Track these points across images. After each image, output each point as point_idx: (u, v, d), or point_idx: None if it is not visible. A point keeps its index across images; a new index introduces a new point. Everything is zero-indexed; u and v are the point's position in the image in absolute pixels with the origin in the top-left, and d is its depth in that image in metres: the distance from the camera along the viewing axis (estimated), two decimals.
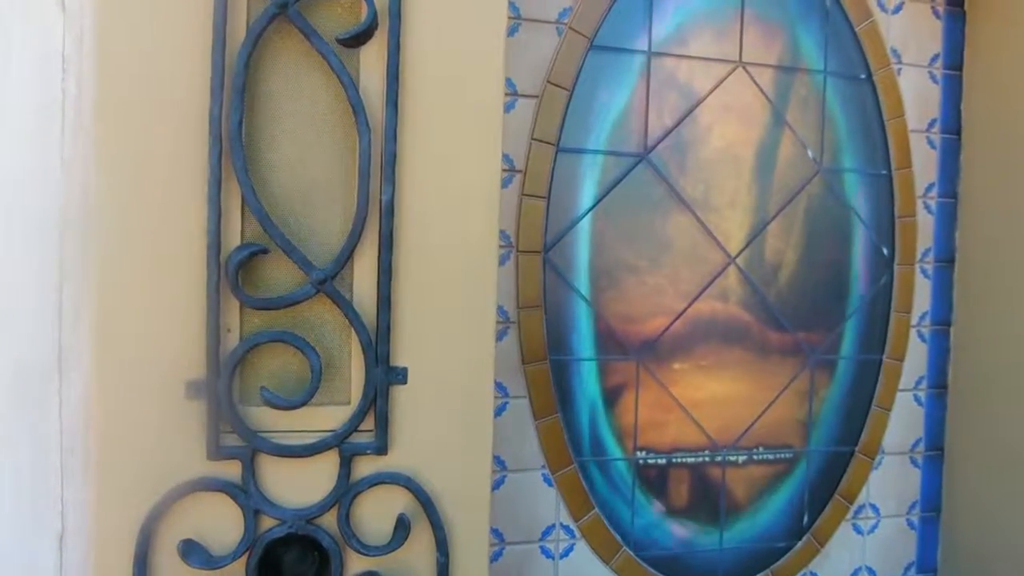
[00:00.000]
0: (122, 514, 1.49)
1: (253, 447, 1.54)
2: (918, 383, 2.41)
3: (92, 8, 1.50)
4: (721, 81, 2.18)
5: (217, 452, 1.52)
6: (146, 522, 1.49)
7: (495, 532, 2.05)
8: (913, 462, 2.42)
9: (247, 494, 1.54)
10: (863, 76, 2.31)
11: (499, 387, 2.04)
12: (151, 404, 1.51)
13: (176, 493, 1.51)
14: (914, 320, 2.40)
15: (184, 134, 1.50)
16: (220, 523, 1.54)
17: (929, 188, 2.38)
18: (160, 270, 1.50)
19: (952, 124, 2.39)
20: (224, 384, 1.52)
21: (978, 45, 2.34)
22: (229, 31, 1.50)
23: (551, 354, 2.08)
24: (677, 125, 2.15)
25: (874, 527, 2.39)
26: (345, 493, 1.60)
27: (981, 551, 2.30)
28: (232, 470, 1.54)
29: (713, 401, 2.24)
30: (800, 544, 2.32)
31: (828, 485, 2.35)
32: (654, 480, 2.20)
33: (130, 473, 1.50)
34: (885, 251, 2.35)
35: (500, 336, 2.04)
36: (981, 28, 2.33)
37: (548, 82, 2.04)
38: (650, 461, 2.19)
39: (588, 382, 2.13)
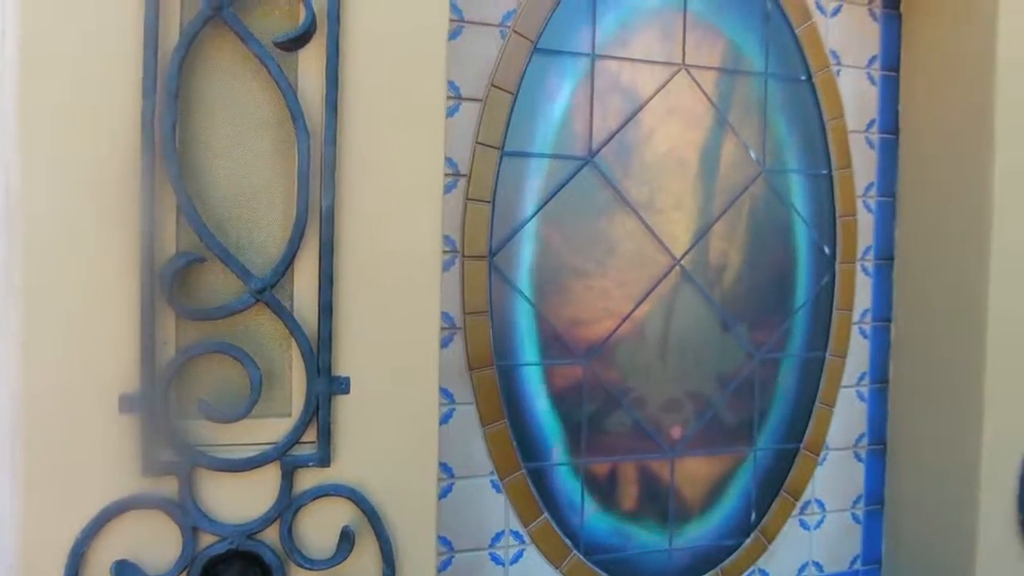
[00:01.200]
0: (51, 533, 1.43)
1: (191, 462, 1.50)
2: (861, 379, 2.45)
3: (15, 9, 1.44)
4: (664, 84, 2.19)
5: (153, 468, 1.48)
6: (77, 542, 1.44)
7: (443, 540, 2.03)
8: (857, 457, 2.46)
9: (184, 510, 1.49)
10: (803, 78, 2.33)
11: (445, 394, 2.02)
12: (82, 418, 1.46)
13: (109, 511, 1.45)
14: (856, 317, 2.43)
15: (114, 140, 1.45)
16: (156, 542, 1.49)
17: (868, 188, 2.42)
18: (91, 280, 1.45)
19: (890, 124, 2.43)
20: (160, 397, 1.47)
21: (913, 47, 2.39)
22: (162, 34, 1.45)
23: (498, 359, 2.07)
24: (621, 128, 2.15)
25: (820, 522, 2.43)
26: (287, 507, 1.56)
27: (924, 542, 2.35)
28: (169, 486, 1.50)
29: (660, 402, 2.24)
30: (748, 541, 2.34)
31: (775, 482, 2.37)
32: (603, 483, 2.20)
33: (60, 490, 1.44)
34: (827, 250, 2.39)
35: (446, 342, 2.01)
36: (916, 30, 2.38)
37: (492, 85, 2.02)
38: (598, 464, 2.19)
39: (535, 387, 2.11)
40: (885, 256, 2.45)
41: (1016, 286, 2.16)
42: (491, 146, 2.03)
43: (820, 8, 2.33)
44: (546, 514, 2.13)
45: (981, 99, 2.15)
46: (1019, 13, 2.12)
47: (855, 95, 2.39)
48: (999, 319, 2.15)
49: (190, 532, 1.50)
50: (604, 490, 2.21)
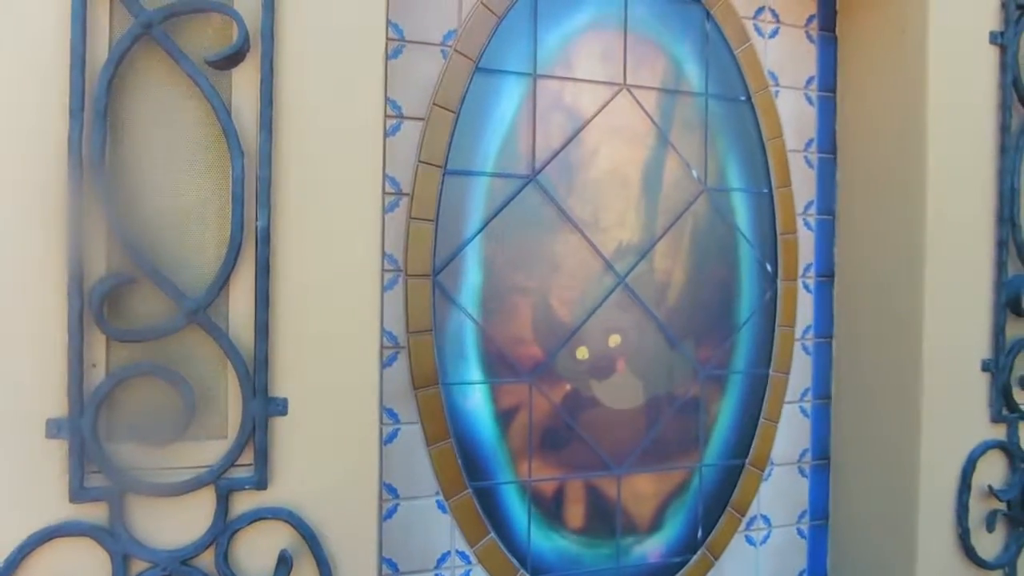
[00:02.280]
0: None
1: (121, 487, 1.47)
2: (804, 395, 2.48)
3: None
4: (606, 103, 2.21)
5: (81, 494, 1.44)
6: (2, 571, 1.39)
7: (389, 562, 2.01)
8: (801, 472, 2.49)
9: (115, 537, 1.46)
10: (743, 98, 2.38)
11: (390, 413, 2.00)
12: (7, 444, 1.42)
13: (35, 539, 1.42)
14: (798, 334, 2.47)
15: (41, 160, 1.42)
16: (85, 570, 1.46)
17: (808, 206, 2.47)
18: (17, 301, 1.42)
19: (827, 144, 2.48)
20: (89, 421, 1.44)
21: (849, 68, 2.45)
22: (90, 52, 1.44)
23: (442, 378, 2.06)
24: (564, 147, 2.17)
25: (766, 537, 2.44)
26: (223, 531, 1.53)
27: (867, 556, 2.38)
28: (98, 512, 1.46)
29: (606, 420, 2.25)
30: (695, 558, 2.35)
31: (721, 498, 2.39)
32: (550, 502, 2.19)
33: None
34: (769, 267, 2.42)
35: (390, 361, 2.00)
36: (851, 52, 2.44)
37: (434, 104, 2.03)
38: (545, 483, 2.18)
39: (481, 406, 2.11)
40: (825, 273, 2.49)
41: (949, 302, 2.21)
42: (434, 165, 2.03)
43: (758, 30, 2.38)
44: (492, 534, 2.12)
45: (913, 119, 2.21)
46: (948, 36, 2.18)
47: (793, 115, 2.44)
48: (934, 335, 2.19)
49: (120, 559, 1.47)
50: (551, 509, 2.20)
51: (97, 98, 1.43)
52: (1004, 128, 2.25)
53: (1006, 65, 2.24)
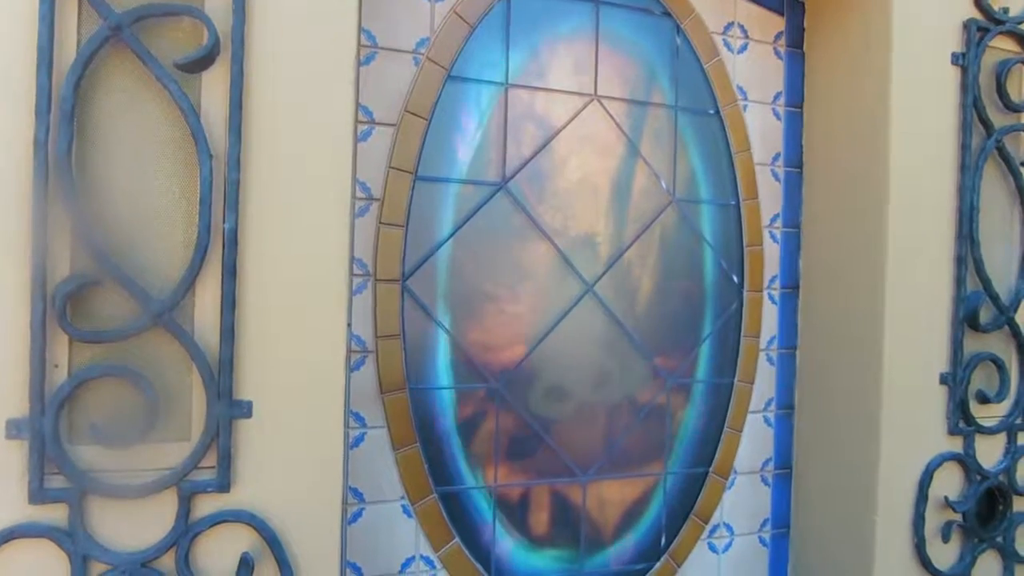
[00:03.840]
0: None
1: (81, 488, 1.46)
2: (767, 405, 2.52)
3: None
4: (577, 113, 2.24)
5: (41, 494, 1.44)
6: None
7: (353, 566, 2.01)
8: (764, 481, 2.52)
9: (74, 539, 1.45)
10: (712, 111, 2.41)
11: (357, 417, 2.01)
12: None
13: None
14: (763, 344, 2.50)
15: (6, 160, 1.42)
16: (44, 571, 1.45)
17: (774, 218, 2.51)
18: None
19: (794, 158, 2.53)
20: (49, 422, 1.43)
21: (816, 84, 2.49)
22: (58, 53, 1.44)
23: (410, 383, 2.07)
24: (534, 155, 2.19)
25: (728, 545, 2.47)
26: (184, 534, 1.53)
27: (827, 564, 2.41)
28: (58, 513, 1.46)
29: (572, 428, 2.27)
30: (658, 565, 2.37)
31: (684, 506, 2.41)
32: (514, 508, 2.21)
33: None
34: (735, 278, 2.46)
35: (357, 365, 2.01)
36: (818, 68, 2.48)
37: (406, 111, 2.04)
38: (510, 489, 2.20)
39: (447, 411, 2.12)
40: (790, 285, 2.53)
41: (909, 316, 2.25)
42: (404, 171, 2.04)
43: (727, 45, 2.42)
44: (457, 539, 2.13)
45: (877, 136, 2.25)
46: (911, 57, 2.23)
47: (761, 129, 2.48)
48: (894, 347, 2.24)
49: (80, 561, 1.46)
50: (516, 514, 2.22)
51: (64, 99, 1.42)
52: (964, 147, 2.30)
53: (967, 86, 2.30)
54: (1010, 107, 2.37)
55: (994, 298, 2.34)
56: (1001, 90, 2.35)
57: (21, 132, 1.42)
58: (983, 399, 2.36)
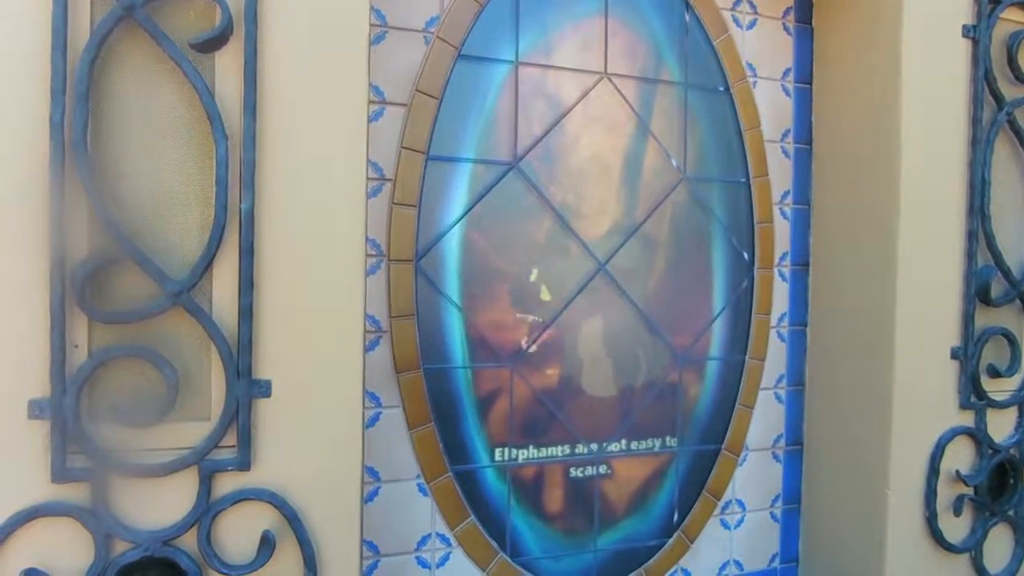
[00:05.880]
0: None
1: (103, 467, 1.48)
2: (778, 381, 2.53)
3: None
4: (587, 91, 2.23)
5: (63, 474, 1.45)
6: None
7: (370, 544, 2.02)
8: (775, 457, 2.53)
9: (97, 517, 1.47)
10: (721, 88, 2.40)
11: (372, 397, 2.02)
12: None
13: (17, 519, 1.42)
14: (774, 321, 2.51)
15: (23, 141, 1.42)
16: (67, 549, 1.46)
17: (784, 195, 2.50)
18: None
19: (804, 134, 2.52)
20: (71, 402, 1.44)
21: (825, 60, 2.48)
22: (72, 34, 1.43)
23: (424, 363, 2.08)
24: (546, 134, 2.19)
25: (740, 521, 2.49)
26: (205, 512, 1.55)
27: (838, 540, 2.43)
28: (80, 493, 1.47)
29: (586, 406, 2.28)
30: (671, 541, 2.39)
31: (697, 482, 2.42)
32: (529, 485, 2.22)
33: None
34: (746, 256, 2.46)
35: (372, 345, 2.02)
36: (827, 44, 2.47)
37: (417, 90, 2.04)
38: (525, 467, 2.21)
39: (462, 390, 2.13)
40: (801, 262, 2.53)
41: (921, 291, 2.25)
42: (416, 150, 2.04)
43: (736, 21, 2.41)
44: (472, 517, 2.15)
45: (887, 111, 2.24)
46: (922, 30, 2.22)
47: (771, 106, 2.47)
48: (906, 323, 2.24)
49: (103, 539, 1.47)
50: (530, 492, 2.23)
51: (79, 80, 1.42)
52: (975, 121, 2.29)
53: (978, 59, 2.29)
54: (1021, 80, 2.36)
55: (1005, 272, 2.34)
56: (1012, 63, 2.34)
57: (37, 114, 1.42)
58: (994, 373, 2.37)
